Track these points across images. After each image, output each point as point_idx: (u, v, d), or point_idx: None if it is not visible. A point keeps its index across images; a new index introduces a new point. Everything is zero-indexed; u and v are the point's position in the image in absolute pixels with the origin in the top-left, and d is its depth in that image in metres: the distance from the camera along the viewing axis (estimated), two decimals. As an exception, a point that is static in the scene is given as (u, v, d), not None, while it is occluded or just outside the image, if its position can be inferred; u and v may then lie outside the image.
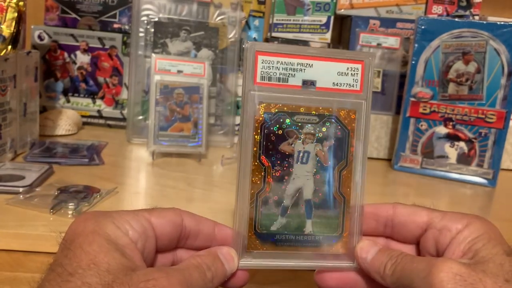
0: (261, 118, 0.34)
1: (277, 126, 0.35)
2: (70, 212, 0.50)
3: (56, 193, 0.55)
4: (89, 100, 0.96)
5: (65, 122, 0.88)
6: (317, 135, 0.35)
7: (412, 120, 0.81)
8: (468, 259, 0.30)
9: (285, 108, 0.35)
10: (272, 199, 0.35)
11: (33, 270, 0.43)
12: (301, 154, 0.35)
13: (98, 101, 0.96)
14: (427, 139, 0.81)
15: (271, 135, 0.34)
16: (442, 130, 0.80)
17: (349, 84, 0.35)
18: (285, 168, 0.35)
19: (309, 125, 0.35)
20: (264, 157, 0.34)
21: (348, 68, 0.35)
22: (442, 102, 0.79)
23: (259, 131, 0.34)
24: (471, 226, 0.31)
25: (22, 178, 0.58)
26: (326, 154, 0.35)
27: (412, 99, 0.81)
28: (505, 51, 0.75)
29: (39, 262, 0.44)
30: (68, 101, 0.96)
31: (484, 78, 0.77)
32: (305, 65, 0.35)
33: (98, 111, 0.96)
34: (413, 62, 0.80)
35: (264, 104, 0.34)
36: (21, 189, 0.55)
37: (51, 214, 0.50)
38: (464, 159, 0.80)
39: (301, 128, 0.35)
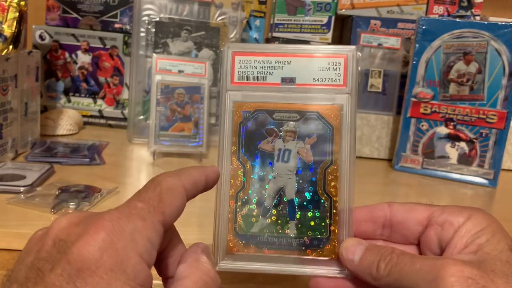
0: (239, 117, 0.34)
1: (256, 124, 0.34)
2: (71, 211, 0.50)
3: (57, 193, 0.55)
4: (90, 100, 0.96)
5: (66, 122, 0.88)
6: (298, 132, 0.34)
7: (413, 120, 0.81)
8: (471, 253, 0.29)
9: (264, 106, 0.34)
10: (252, 200, 0.33)
11: (34, 270, 0.43)
12: (281, 153, 0.34)
13: (99, 101, 0.97)
14: (428, 139, 0.81)
15: (250, 134, 0.34)
16: (443, 130, 0.80)
17: (331, 79, 0.34)
18: (265, 167, 0.34)
19: (290, 122, 0.34)
20: (243, 157, 0.34)
21: (329, 63, 0.34)
22: (443, 102, 0.79)
23: (237, 130, 0.34)
24: (473, 218, 0.30)
25: (23, 177, 0.58)
26: (309, 152, 0.34)
27: (413, 99, 0.81)
28: (506, 52, 0.75)
29: (40, 262, 0.44)
30: (69, 101, 0.96)
31: (485, 78, 0.77)
32: (283, 62, 0.34)
33: (99, 111, 0.97)
34: (414, 62, 0.80)
35: (242, 103, 0.34)
36: (22, 189, 0.55)
37: (52, 214, 0.50)
38: (465, 160, 0.80)
39: (281, 126, 0.34)
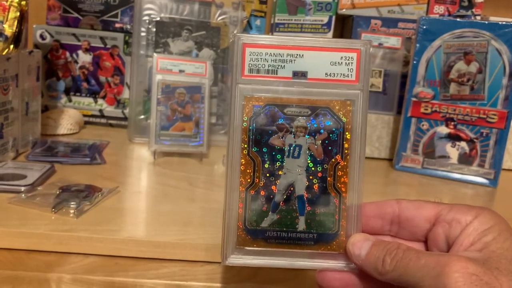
0: (249, 112, 0.33)
1: (267, 119, 0.33)
2: (71, 211, 0.50)
3: (57, 192, 0.55)
4: (91, 100, 0.97)
5: (67, 122, 0.88)
6: (309, 128, 0.34)
7: (413, 120, 0.81)
8: (476, 250, 0.29)
9: (275, 101, 0.34)
10: (262, 195, 0.33)
11: (35, 269, 0.43)
12: (292, 148, 0.34)
13: (100, 101, 0.97)
14: (429, 139, 0.81)
15: (261, 128, 0.33)
16: (443, 130, 0.80)
17: (344, 74, 0.34)
18: (275, 163, 0.34)
19: (301, 117, 0.34)
20: (253, 152, 0.33)
21: (342, 58, 0.34)
22: (444, 102, 0.79)
23: (247, 125, 0.33)
24: (481, 217, 0.31)
25: (24, 177, 0.58)
26: (320, 148, 0.34)
27: (414, 99, 0.81)
28: (506, 51, 0.75)
29: (40, 261, 0.44)
30: (70, 101, 0.96)
31: (486, 78, 0.77)
32: (295, 55, 0.33)
33: (100, 110, 0.97)
34: (414, 62, 0.80)
35: (253, 97, 0.33)
36: (23, 188, 0.55)
37: (53, 213, 0.50)
38: (465, 159, 0.80)
39: (292, 121, 0.34)
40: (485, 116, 0.77)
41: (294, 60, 0.34)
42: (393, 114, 0.90)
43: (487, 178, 0.78)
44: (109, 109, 0.97)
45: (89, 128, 0.95)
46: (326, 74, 0.34)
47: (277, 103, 0.34)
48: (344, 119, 0.34)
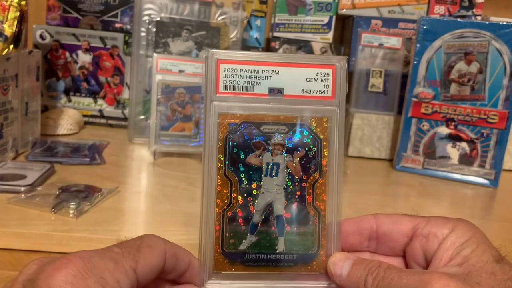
0: (225, 130, 0.32)
1: (243, 137, 0.32)
2: (71, 211, 0.50)
3: (57, 193, 0.55)
4: (91, 100, 0.96)
5: (67, 122, 0.88)
6: (286, 145, 0.33)
7: (414, 121, 0.81)
8: (456, 265, 0.29)
9: (251, 118, 0.33)
10: (240, 216, 0.32)
11: (34, 269, 0.43)
12: (270, 167, 0.33)
13: (100, 101, 0.96)
14: (429, 140, 0.81)
15: (237, 147, 0.32)
16: (444, 130, 0.80)
17: (320, 91, 0.33)
18: (253, 182, 0.32)
19: (278, 135, 0.33)
20: (230, 171, 0.32)
21: (317, 74, 0.33)
22: (444, 102, 0.79)
23: (223, 143, 0.32)
24: (457, 230, 0.30)
25: (23, 177, 0.58)
26: (298, 166, 0.33)
27: (414, 99, 0.81)
28: (507, 52, 0.75)
29: (40, 261, 0.44)
30: (70, 101, 0.96)
31: (486, 78, 0.77)
32: (271, 72, 0.33)
33: (100, 110, 0.97)
34: (415, 62, 0.80)
35: (228, 115, 0.32)
36: (22, 188, 0.55)
37: (52, 214, 0.50)
38: (466, 160, 0.80)
39: (269, 139, 0.33)
40: (485, 117, 0.77)
41: (270, 76, 0.33)
42: (393, 115, 0.90)
43: (487, 179, 0.78)
44: (109, 109, 0.97)
45: (89, 128, 0.95)
46: (302, 90, 0.33)
47: (253, 121, 0.33)
48: (321, 136, 0.33)
